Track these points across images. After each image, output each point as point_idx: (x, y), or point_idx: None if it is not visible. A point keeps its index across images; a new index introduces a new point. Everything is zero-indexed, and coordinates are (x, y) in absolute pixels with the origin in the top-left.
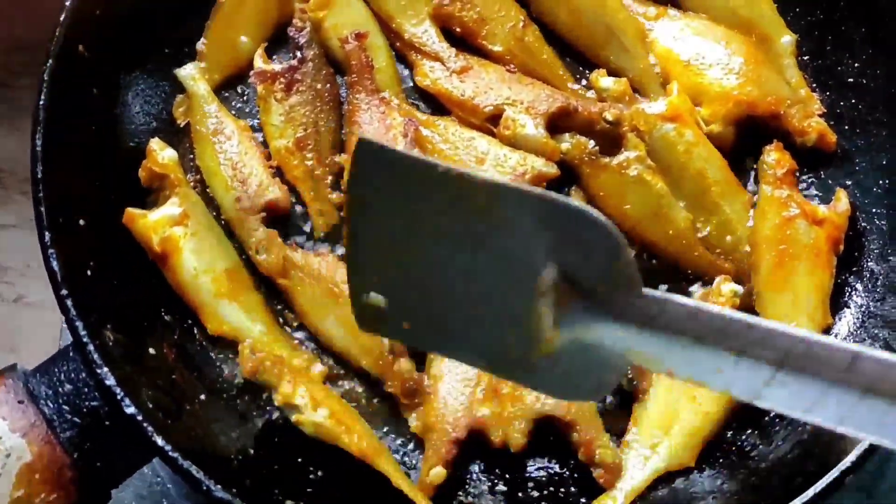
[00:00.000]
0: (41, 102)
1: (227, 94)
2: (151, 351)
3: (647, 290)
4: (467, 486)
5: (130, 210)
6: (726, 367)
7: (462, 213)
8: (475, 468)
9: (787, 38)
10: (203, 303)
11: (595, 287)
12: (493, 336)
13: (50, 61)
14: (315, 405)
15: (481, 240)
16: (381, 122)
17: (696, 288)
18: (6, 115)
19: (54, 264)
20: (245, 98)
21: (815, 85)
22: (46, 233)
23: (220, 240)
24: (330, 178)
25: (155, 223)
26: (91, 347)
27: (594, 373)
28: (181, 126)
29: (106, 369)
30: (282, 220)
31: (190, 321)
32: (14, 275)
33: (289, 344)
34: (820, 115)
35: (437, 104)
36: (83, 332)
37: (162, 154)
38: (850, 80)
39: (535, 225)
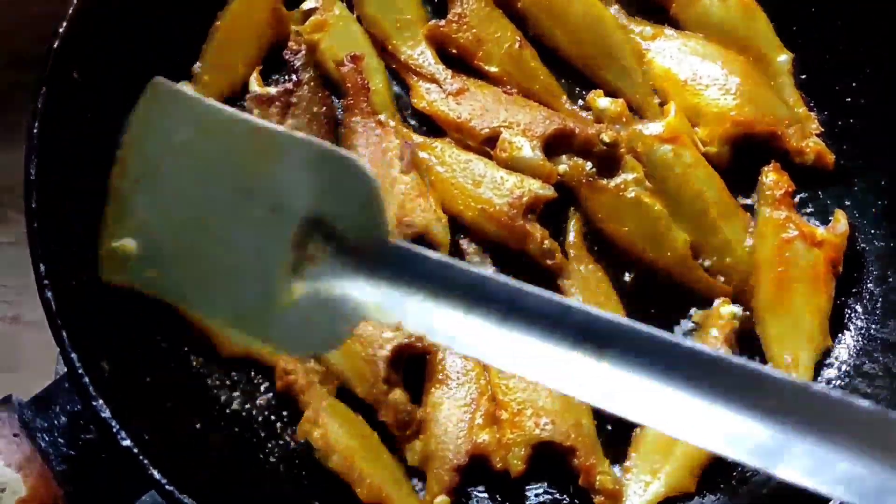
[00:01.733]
0: (35, 130)
1: None
2: (147, 380)
3: (396, 241)
4: None
5: None
6: (452, 322)
7: (237, 158)
8: (475, 494)
9: (784, 57)
10: (212, 328)
11: (347, 237)
12: (237, 286)
13: (43, 87)
14: (328, 451)
15: (249, 186)
16: (377, 144)
17: (694, 310)
18: (3, 133)
19: (49, 295)
20: None
21: (812, 104)
22: (41, 264)
23: None
24: None
25: None
26: (86, 380)
27: (328, 326)
28: None
29: (101, 401)
30: None
31: (186, 349)
32: (12, 293)
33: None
34: (818, 135)
35: (433, 126)
36: (78, 365)
37: None
38: (848, 99)
39: (302, 171)
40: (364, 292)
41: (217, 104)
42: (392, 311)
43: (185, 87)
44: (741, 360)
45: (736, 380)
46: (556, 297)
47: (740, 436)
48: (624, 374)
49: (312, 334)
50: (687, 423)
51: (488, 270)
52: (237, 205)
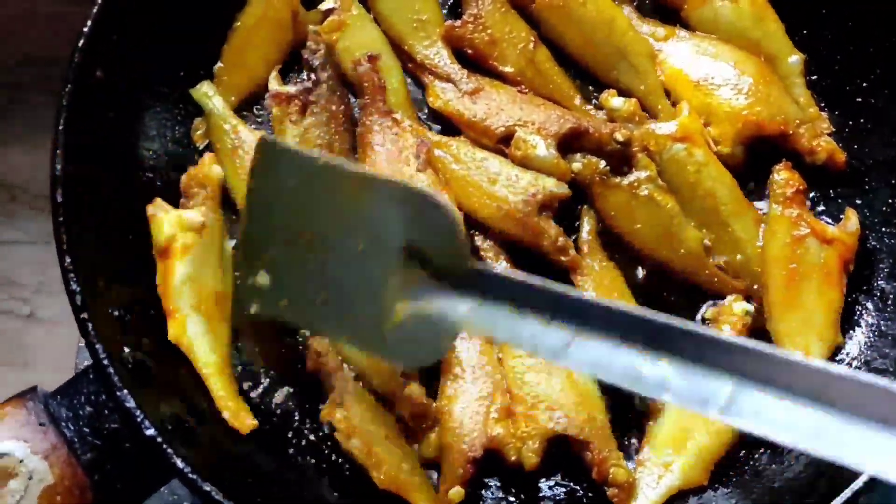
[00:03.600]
0: (60, 127)
1: (243, 116)
2: (170, 371)
3: (477, 263)
4: None
5: (160, 201)
6: (536, 332)
7: (337, 199)
8: (490, 487)
9: (795, 58)
10: (178, 308)
11: (436, 262)
12: (352, 310)
13: (68, 86)
14: (349, 433)
15: (350, 223)
16: (393, 143)
17: (707, 306)
18: (18, 131)
19: (74, 287)
20: (260, 120)
21: (823, 104)
22: (66, 257)
23: (223, 267)
24: None
25: (170, 219)
26: (111, 370)
27: (430, 341)
28: (200, 148)
29: (126, 391)
30: None
31: None
32: (27, 291)
33: (227, 388)
34: (829, 135)
35: (449, 125)
36: (103, 355)
37: (213, 167)
38: (859, 99)
39: (392, 208)
40: (457, 309)
41: (315, 153)
42: (482, 324)
43: (289, 143)
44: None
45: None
46: (623, 306)
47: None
48: (659, 362)
49: (419, 348)
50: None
51: (564, 286)
52: (343, 239)
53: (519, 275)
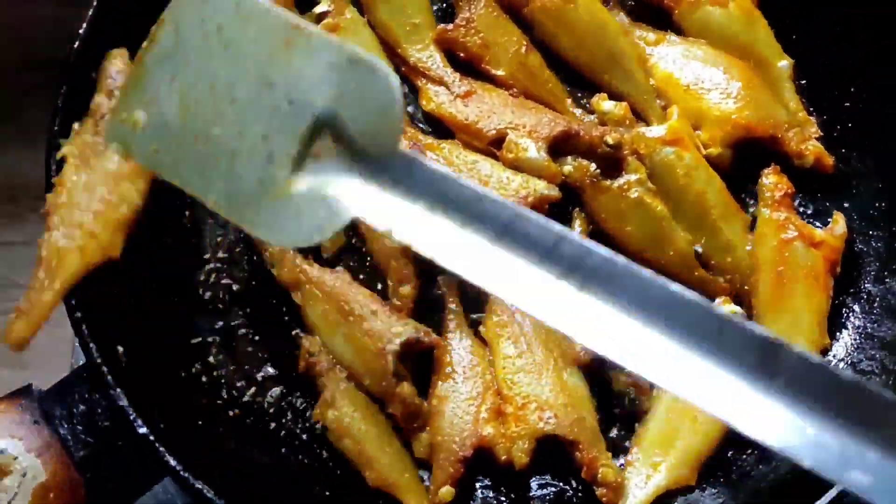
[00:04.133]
0: (55, 128)
1: None
2: (164, 371)
3: (404, 150)
4: None
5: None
6: (450, 237)
7: (268, 48)
8: (480, 486)
9: (785, 63)
10: None
11: (357, 140)
12: (236, 170)
13: (63, 87)
14: (341, 432)
15: (272, 76)
16: None
17: None
18: (18, 134)
19: None
20: None
21: (812, 108)
22: None
23: None
24: None
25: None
26: (105, 369)
27: (317, 222)
28: None
29: (119, 390)
30: None
31: (200, 339)
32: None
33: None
34: (817, 139)
35: (441, 127)
36: (97, 354)
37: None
38: (847, 103)
39: (328, 71)
40: (360, 195)
41: None
42: (384, 217)
43: None
44: (716, 308)
45: (710, 326)
46: (553, 223)
47: (708, 381)
48: (603, 308)
49: (299, 227)
50: (654, 362)
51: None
52: (256, 92)
53: (441, 167)
